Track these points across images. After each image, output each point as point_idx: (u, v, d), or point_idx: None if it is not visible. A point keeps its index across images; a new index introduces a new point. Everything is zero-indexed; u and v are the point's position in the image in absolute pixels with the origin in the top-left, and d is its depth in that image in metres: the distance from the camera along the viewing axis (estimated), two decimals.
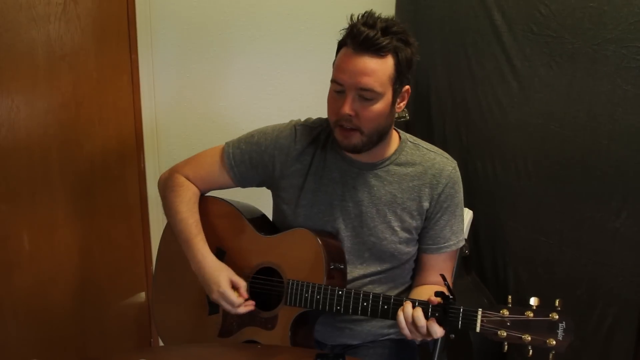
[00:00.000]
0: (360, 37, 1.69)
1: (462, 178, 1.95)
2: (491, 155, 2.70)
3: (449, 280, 2.01)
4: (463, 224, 2.01)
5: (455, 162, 1.95)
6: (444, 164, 1.92)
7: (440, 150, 1.97)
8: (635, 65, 2.17)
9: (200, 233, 1.94)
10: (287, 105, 2.98)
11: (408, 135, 1.97)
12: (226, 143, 2.02)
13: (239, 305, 1.84)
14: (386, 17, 1.75)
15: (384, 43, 1.69)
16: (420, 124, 2.96)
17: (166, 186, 2.03)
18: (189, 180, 2.02)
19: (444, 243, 1.95)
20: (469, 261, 2.77)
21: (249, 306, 1.86)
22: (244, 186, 2.03)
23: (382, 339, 2.01)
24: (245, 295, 1.86)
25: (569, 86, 2.39)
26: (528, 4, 2.48)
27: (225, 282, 1.85)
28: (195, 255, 1.91)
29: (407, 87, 1.83)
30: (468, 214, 2.34)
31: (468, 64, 2.76)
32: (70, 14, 2.48)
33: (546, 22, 2.42)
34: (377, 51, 1.70)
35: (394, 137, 1.93)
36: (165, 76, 2.76)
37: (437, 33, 2.88)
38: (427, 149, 1.95)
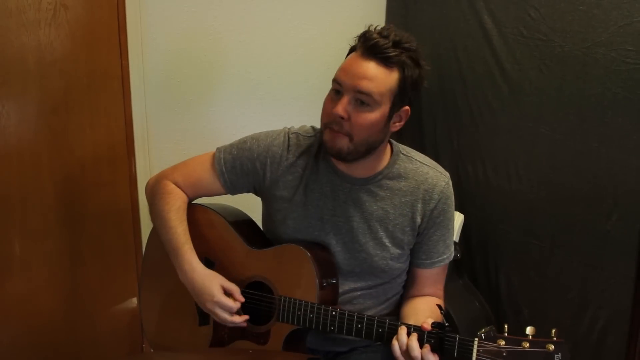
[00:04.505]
0: (370, 43, 1.67)
1: (453, 182, 1.93)
2: (482, 158, 2.71)
3: (442, 290, 2.01)
4: (453, 236, 1.98)
5: (449, 175, 1.91)
6: (437, 178, 1.87)
7: (433, 163, 1.92)
8: (625, 68, 2.18)
9: (188, 242, 1.89)
10: (278, 110, 2.98)
11: (401, 147, 1.93)
12: (217, 149, 1.98)
13: (236, 310, 1.81)
14: (403, 32, 1.72)
15: (392, 54, 1.67)
16: (411, 128, 2.96)
17: (154, 192, 2.00)
18: (179, 186, 1.98)
19: (438, 257, 1.91)
20: (461, 265, 2.77)
21: (243, 318, 1.83)
22: (233, 193, 1.99)
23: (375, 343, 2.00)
24: (241, 299, 1.82)
25: (559, 89, 2.40)
26: (518, 8, 2.49)
27: (218, 290, 1.81)
28: (184, 265, 1.86)
29: (407, 107, 1.78)
30: (459, 218, 2.35)
31: (459, 67, 2.77)
32: (60, 20, 2.47)
33: (536, 26, 2.43)
34: (384, 60, 1.67)
35: (387, 149, 1.88)
36: (155, 82, 2.75)
37: (428, 37, 2.88)
38: (421, 162, 1.90)
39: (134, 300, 2.93)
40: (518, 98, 2.54)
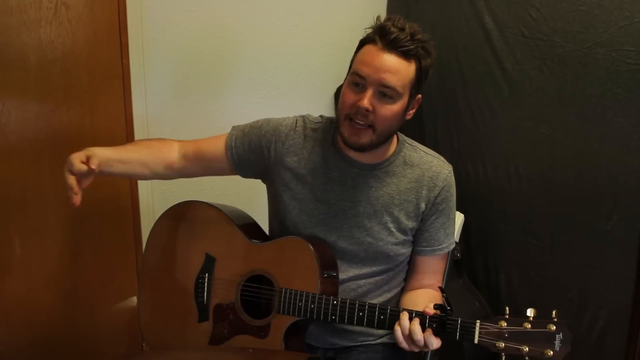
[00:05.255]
0: (391, 37, 1.71)
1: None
2: (482, 158, 2.71)
3: (441, 282, 2.02)
4: (454, 226, 2.02)
5: (451, 166, 1.96)
6: (440, 167, 1.93)
7: (436, 154, 1.98)
8: (626, 68, 2.19)
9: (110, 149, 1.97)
10: (279, 108, 2.96)
11: (405, 137, 1.98)
12: (233, 127, 2.05)
13: (76, 169, 1.80)
14: (412, 23, 1.77)
15: (412, 47, 1.72)
16: (411, 127, 2.95)
17: None
18: (183, 152, 2.06)
19: (438, 245, 1.95)
20: (461, 264, 2.77)
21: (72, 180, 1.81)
22: (238, 170, 2.02)
23: (375, 342, 2.01)
24: (93, 166, 1.81)
25: (560, 89, 2.40)
26: (519, 8, 2.49)
27: (78, 153, 1.83)
28: None
29: (420, 96, 1.85)
30: (459, 218, 2.35)
31: (459, 67, 2.76)
32: (61, 18, 2.47)
33: (537, 26, 2.43)
34: (404, 53, 1.72)
35: (394, 138, 1.93)
36: (156, 81, 2.75)
37: None
38: (424, 152, 1.96)
39: (134, 298, 2.93)
40: (519, 98, 2.54)
